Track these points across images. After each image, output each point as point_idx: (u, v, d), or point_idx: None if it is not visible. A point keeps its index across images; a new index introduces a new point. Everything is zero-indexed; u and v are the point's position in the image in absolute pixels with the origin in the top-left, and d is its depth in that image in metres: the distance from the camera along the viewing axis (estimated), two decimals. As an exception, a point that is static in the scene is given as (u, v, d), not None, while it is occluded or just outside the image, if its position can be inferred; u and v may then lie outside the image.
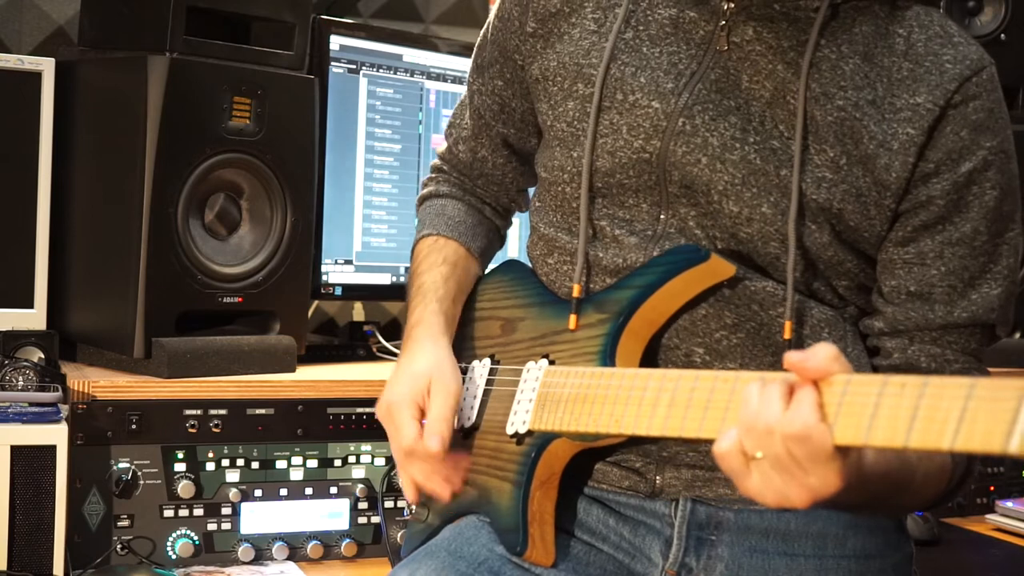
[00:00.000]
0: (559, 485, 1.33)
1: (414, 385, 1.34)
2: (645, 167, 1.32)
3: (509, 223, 1.64)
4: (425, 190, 1.62)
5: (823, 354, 1.00)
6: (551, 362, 1.35)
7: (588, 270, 1.36)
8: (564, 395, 1.28)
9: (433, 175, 1.63)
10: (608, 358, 1.27)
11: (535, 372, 1.34)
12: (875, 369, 1.34)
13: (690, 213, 1.31)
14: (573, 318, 1.33)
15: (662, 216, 1.33)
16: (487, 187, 1.58)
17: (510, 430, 1.33)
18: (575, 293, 1.33)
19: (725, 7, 1.30)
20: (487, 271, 1.55)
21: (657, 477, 1.34)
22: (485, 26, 1.51)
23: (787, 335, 1.27)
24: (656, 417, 1.14)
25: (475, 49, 1.53)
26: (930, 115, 1.25)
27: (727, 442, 1.03)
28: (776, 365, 1.30)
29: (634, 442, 1.31)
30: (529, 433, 1.31)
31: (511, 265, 1.51)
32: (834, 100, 1.27)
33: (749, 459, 1.02)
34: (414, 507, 1.47)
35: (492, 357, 1.42)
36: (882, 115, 1.26)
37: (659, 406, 1.14)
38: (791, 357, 1.01)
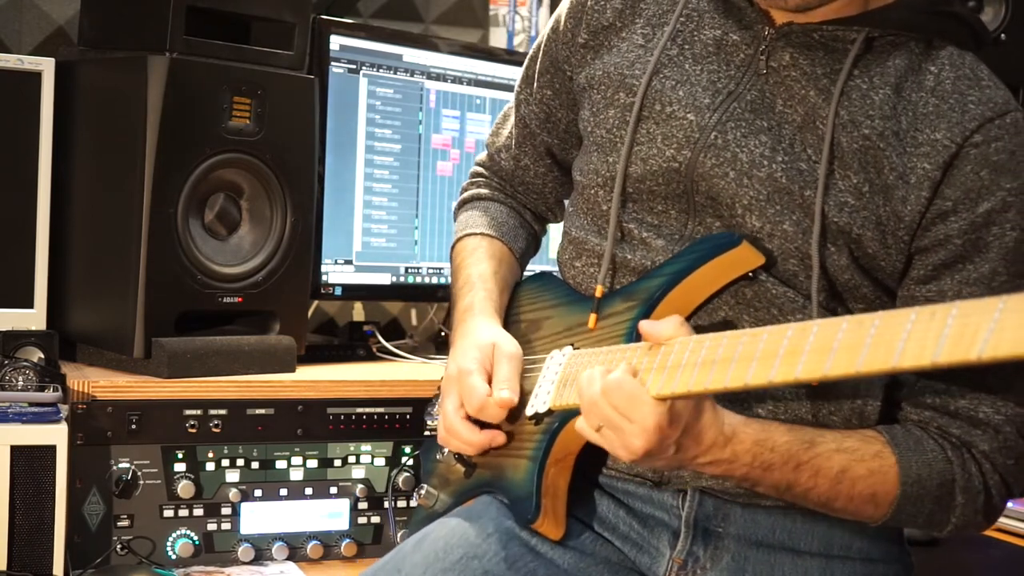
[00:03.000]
0: (573, 469, 1.36)
1: (480, 353, 1.40)
2: (674, 176, 1.35)
3: (545, 231, 1.71)
4: (465, 194, 1.68)
5: (670, 323, 1.19)
6: (575, 348, 1.38)
7: (614, 271, 1.39)
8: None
9: (473, 179, 1.69)
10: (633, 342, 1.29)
11: (559, 358, 1.38)
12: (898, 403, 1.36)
13: (715, 224, 1.34)
14: (593, 317, 1.37)
15: (689, 224, 1.36)
16: (527, 195, 1.65)
17: (529, 411, 1.36)
18: (597, 293, 1.37)
19: (766, 32, 1.34)
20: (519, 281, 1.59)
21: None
22: (538, 40, 1.58)
23: None
24: (682, 378, 1.14)
25: (526, 61, 1.60)
26: (946, 152, 1.26)
27: (580, 426, 1.23)
28: None
29: None
30: (548, 412, 1.34)
31: (541, 276, 1.56)
32: (861, 128, 1.29)
33: (597, 432, 1.20)
34: (423, 491, 1.48)
35: None
36: (904, 147, 1.28)
37: (685, 367, 1.14)
38: (644, 326, 1.21)
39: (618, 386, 1.17)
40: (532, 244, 1.67)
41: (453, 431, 1.38)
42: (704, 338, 1.14)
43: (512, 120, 1.63)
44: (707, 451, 1.22)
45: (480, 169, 1.69)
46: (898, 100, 1.30)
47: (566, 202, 1.59)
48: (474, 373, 1.37)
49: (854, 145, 1.29)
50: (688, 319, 1.32)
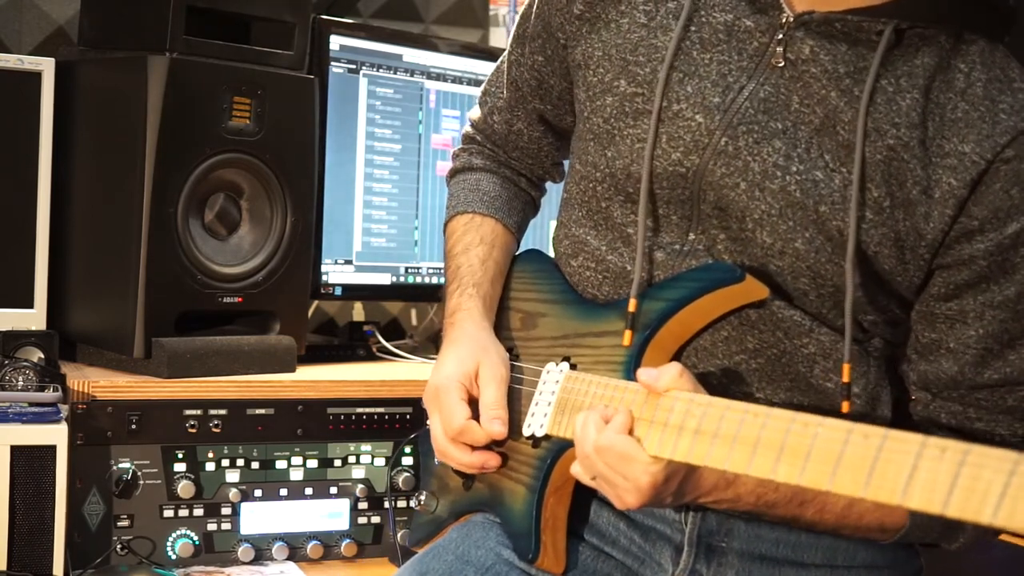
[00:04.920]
0: (572, 490, 1.33)
1: (461, 368, 1.34)
2: (679, 181, 1.28)
3: (544, 192, 1.63)
4: (457, 162, 1.60)
5: (669, 375, 1.14)
6: (572, 366, 1.33)
7: (615, 280, 1.34)
8: (583, 404, 1.26)
9: (465, 146, 1.61)
10: (631, 371, 1.24)
11: (555, 375, 1.33)
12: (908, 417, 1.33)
13: (719, 235, 1.28)
14: (628, 334, 1.28)
15: (691, 234, 1.29)
16: (522, 159, 1.57)
17: (527, 431, 1.33)
18: (631, 308, 1.28)
19: (783, 20, 1.24)
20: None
21: None
22: None
23: (846, 378, 1.24)
24: (680, 444, 1.11)
25: (518, 19, 1.49)
26: (975, 168, 1.18)
27: (575, 471, 1.21)
28: (792, 392, 1.29)
29: None
30: (546, 437, 1.31)
31: (533, 255, 1.50)
32: (885, 138, 1.21)
33: (592, 480, 1.19)
34: (423, 497, 1.47)
35: (511, 351, 1.41)
36: (929, 158, 1.20)
37: (684, 432, 1.11)
38: (642, 375, 1.16)
39: (610, 447, 1.14)
40: (529, 211, 1.60)
41: (446, 455, 1.36)
42: (703, 401, 1.11)
43: (505, 80, 1.53)
44: (708, 493, 1.21)
45: (472, 132, 1.60)
46: (926, 103, 1.21)
47: (562, 185, 1.52)
48: (452, 392, 1.33)
49: (877, 156, 1.21)
50: (690, 340, 1.29)
